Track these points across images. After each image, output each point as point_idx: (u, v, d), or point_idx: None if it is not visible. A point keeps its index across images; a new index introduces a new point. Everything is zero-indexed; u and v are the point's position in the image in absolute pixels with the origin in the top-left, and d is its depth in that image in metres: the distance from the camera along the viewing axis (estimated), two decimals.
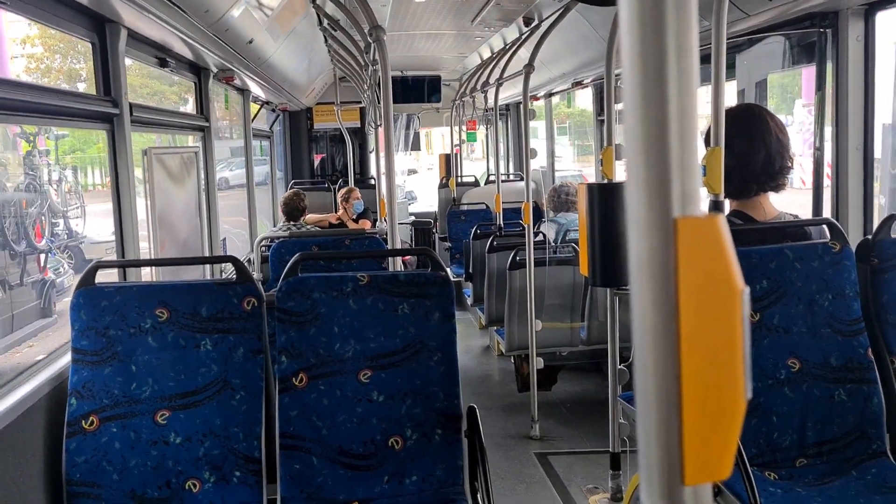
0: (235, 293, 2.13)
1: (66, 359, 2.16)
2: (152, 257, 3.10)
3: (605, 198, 2.99)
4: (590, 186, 3.02)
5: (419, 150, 10.71)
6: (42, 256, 5.77)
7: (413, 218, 9.48)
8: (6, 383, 1.95)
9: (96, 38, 2.57)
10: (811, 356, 2.10)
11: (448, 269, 7.18)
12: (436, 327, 2.15)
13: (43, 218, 5.95)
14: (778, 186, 2.29)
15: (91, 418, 2.03)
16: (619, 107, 3.16)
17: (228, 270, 4.79)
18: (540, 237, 4.79)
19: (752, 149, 2.18)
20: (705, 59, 2.37)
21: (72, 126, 2.59)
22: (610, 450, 3.11)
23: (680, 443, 0.50)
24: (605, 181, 2.96)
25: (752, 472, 1.81)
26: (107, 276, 2.35)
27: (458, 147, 8.64)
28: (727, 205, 2.29)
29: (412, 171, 14.11)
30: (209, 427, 2.06)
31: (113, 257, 2.88)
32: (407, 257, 5.65)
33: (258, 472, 2.05)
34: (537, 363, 4.58)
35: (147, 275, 3.02)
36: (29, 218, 5.60)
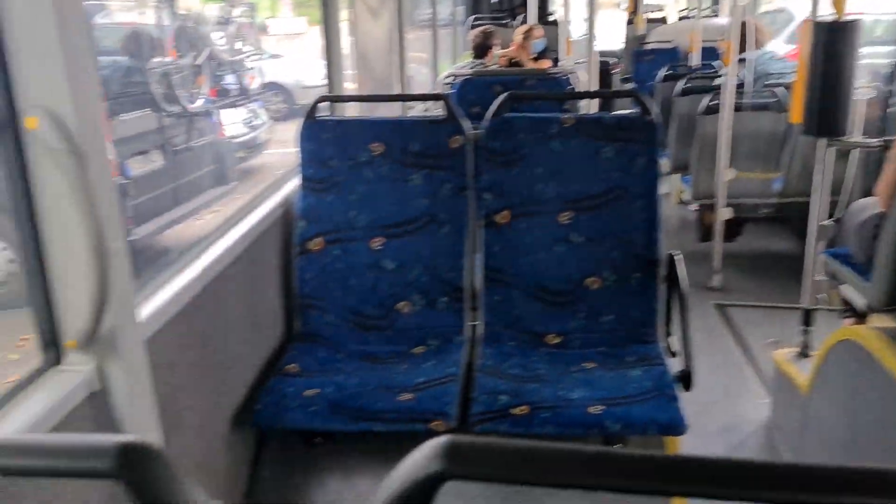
0: (444, 131, 2.20)
1: (290, 186, 2.37)
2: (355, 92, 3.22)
3: (834, 39, 2.70)
4: (817, 24, 2.73)
5: None
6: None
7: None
8: (246, 205, 2.19)
9: None
10: None
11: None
12: (640, 172, 2.12)
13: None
14: None
15: (318, 239, 2.25)
16: None
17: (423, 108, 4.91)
18: (739, 80, 4.44)
19: None
20: None
21: None
22: (803, 306, 3.01)
23: None
24: (835, 18, 2.66)
25: None
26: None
27: None
28: None
29: None
30: (418, 256, 2.22)
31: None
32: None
33: (462, 299, 2.21)
34: (726, 213, 4.41)
35: (349, 109, 3.17)
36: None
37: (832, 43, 2.68)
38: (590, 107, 3.91)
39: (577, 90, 4.20)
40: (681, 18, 8.15)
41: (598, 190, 2.14)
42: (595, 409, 1.76)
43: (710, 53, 5.71)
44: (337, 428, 1.83)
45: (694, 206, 4.95)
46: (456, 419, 1.79)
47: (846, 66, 2.69)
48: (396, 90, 4.27)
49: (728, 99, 4.16)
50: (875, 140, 2.95)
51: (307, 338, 2.19)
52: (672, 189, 6.01)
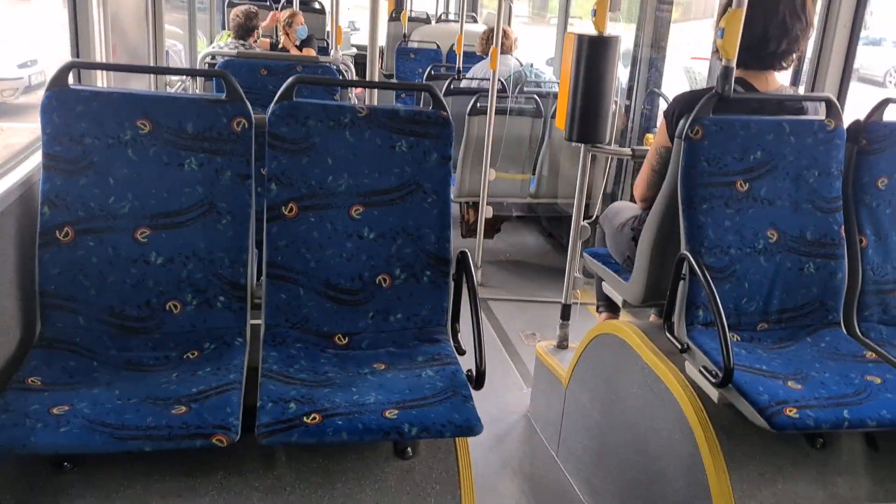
0: (225, 112, 1.98)
1: (34, 163, 2.00)
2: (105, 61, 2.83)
3: (595, 52, 2.90)
4: (580, 38, 2.92)
5: None
6: None
7: (355, 50, 9.05)
8: None
9: None
10: (790, 229, 2.18)
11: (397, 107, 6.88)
12: (433, 169, 2.10)
13: None
14: (774, 65, 2.25)
15: (66, 229, 1.91)
16: None
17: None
18: (499, 85, 4.67)
19: (748, 19, 2.13)
20: None
21: None
22: (563, 301, 3.22)
23: None
24: (597, 34, 2.86)
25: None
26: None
27: None
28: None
29: None
30: (193, 249, 1.99)
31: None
32: (358, 90, 5.43)
33: (243, 298, 2.01)
34: (487, 212, 4.62)
35: (100, 82, 2.78)
36: None
37: (593, 56, 2.88)
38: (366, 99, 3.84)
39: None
40: (439, 20, 8.42)
41: (392, 184, 2.08)
42: (391, 413, 1.69)
43: (468, 57, 5.95)
44: (95, 449, 1.56)
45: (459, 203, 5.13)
46: (240, 432, 1.62)
47: (605, 78, 2.91)
48: (152, 62, 3.86)
49: (491, 103, 4.35)
50: (625, 149, 3.24)
51: (53, 344, 1.85)
52: None
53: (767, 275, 2.17)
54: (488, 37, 5.40)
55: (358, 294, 2.08)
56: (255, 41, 5.59)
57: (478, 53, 5.59)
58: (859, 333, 2.21)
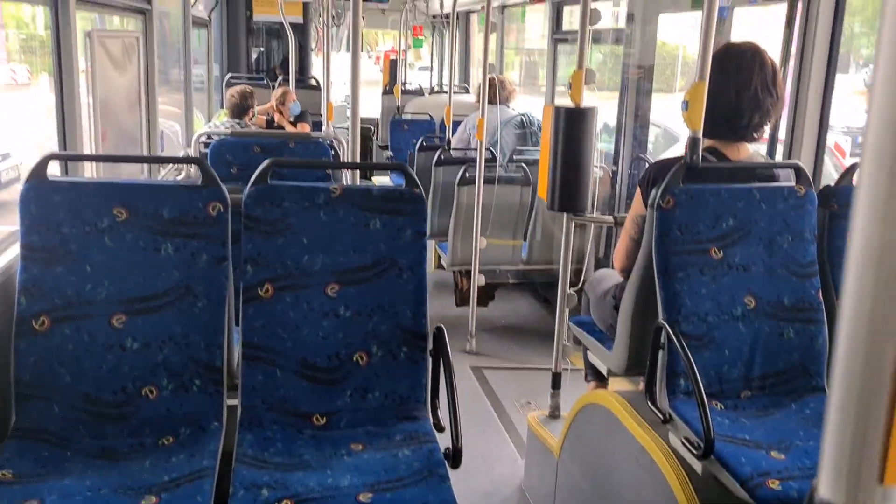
0: (201, 196, 2.02)
1: (12, 254, 2.03)
2: (93, 150, 2.90)
3: (573, 123, 2.97)
4: (557, 109, 2.98)
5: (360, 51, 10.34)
6: None
7: None
8: None
9: None
10: (767, 294, 2.18)
11: (388, 178, 7.05)
12: (407, 245, 2.12)
13: None
14: (746, 137, 2.29)
15: (42, 318, 1.93)
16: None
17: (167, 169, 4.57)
18: (489, 154, 4.75)
19: (721, 95, 2.18)
20: None
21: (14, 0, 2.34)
22: (552, 369, 3.20)
23: (885, 443, 0.48)
24: (574, 106, 2.92)
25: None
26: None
27: (403, 52, 8.38)
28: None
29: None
30: (169, 334, 1.99)
31: None
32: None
33: (219, 381, 2.01)
34: (479, 279, 4.63)
35: (89, 170, 2.84)
36: None
37: (571, 127, 2.94)
38: (355, 175, 3.91)
39: (340, 155, 4.20)
40: (433, 92, 8.61)
41: (366, 262, 2.10)
42: (365, 497, 1.67)
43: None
44: None
45: (452, 272, 5.14)
46: None
47: (584, 148, 2.96)
48: (145, 149, 3.95)
49: (479, 172, 4.41)
50: (608, 216, 3.27)
51: (26, 434, 1.85)
52: (431, 254, 6.23)
53: (747, 341, 2.16)
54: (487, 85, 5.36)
55: (335, 373, 2.08)
56: (251, 119, 5.72)
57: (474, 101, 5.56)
58: None
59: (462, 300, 5.06)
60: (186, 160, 2.45)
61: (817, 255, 2.23)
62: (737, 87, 2.19)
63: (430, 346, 2.13)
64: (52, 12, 2.41)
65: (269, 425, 1.98)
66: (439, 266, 5.42)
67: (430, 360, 2.11)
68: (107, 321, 1.97)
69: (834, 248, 2.25)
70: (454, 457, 1.77)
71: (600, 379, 2.97)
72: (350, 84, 2.74)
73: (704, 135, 2.19)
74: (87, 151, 2.84)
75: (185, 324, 2.00)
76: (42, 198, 1.94)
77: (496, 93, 5.07)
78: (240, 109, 5.49)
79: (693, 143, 2.16)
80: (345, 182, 3.83)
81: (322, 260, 2.09)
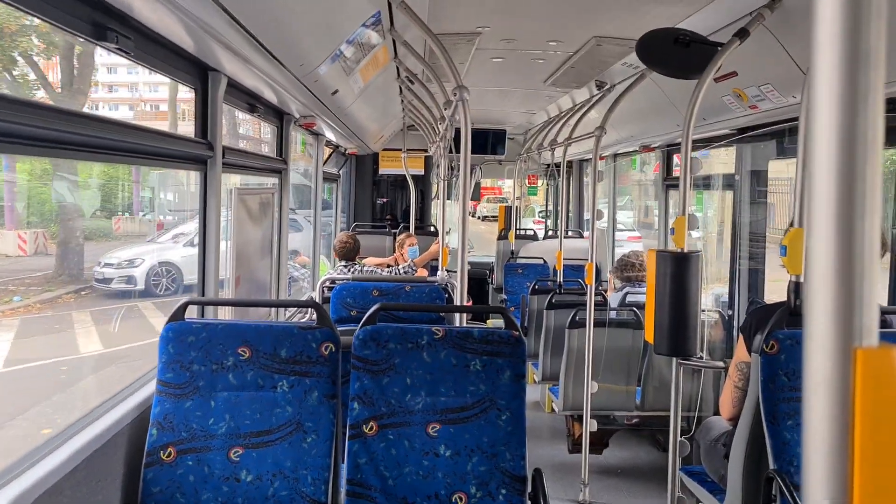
0: (314, 337, 2.19)
1: (149, 389, 2.25)
2: (229, 295, 3.21)
3: (677, 267, 3.00)
4: (661, 255, 3.03)
5: (478, 200, 10.83)
6: None
7: (469, 267, 9.53)
8: (92, 411, 2.04)
9: (199, 85, 2.73)
10: None
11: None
12: (506, 386, 2.18)
13: None
14: None
15: (169, 449, 2.10)
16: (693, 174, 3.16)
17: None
18: (600, 297, 4.77)
19: None
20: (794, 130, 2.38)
21: (170, 167, 2.73)
22: None
23: None
24: (678, 251, 2.96)
25: None
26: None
27: (518, 200, 8.71)
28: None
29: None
30: (279, 467, 2.11)
31: None
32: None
33: None
34: (591, 425, 4.52)
35: (222, 312, 3.13)
36: None
37: (676, 272, 2.97)
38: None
39: (453, 298, 4.37)
40: (547, 236, 8.82)
41: (466, 402, 2.16)
42: None
43: (574, 270, 6.15)
44: None
45: (563, 417, 5.06)
46: None
47: (689, 292, 2.96)
48: (273, 293, 4.28)
49: (589, 315, 4.44)
50: (719, 362, 3.19)
51: None
52: (543, 398, 6.16)
53: None
54: (621, 266, 5.24)
55: None
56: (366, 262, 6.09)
57: (616, 289, 5.41)
58: None
59: (575, 446, 4.93)
60: (304, 304, 2.66)
61: None
62: None
63: (528, 489, 2.12)
64: (202, 176, 2.78)
65: None
66: (552, 410, 5.34)
67: (528, 503, 2.10)
68: (225, 454, 2.11)
69: None
70: None
71: None
72: (459, 233, 2.92)
73: None
74: (224, 294, 3.14)
75: (295, 458, 2.11)
76: (178, 338, 2.17)
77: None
78: (348, 253, 5.85)
79: (795, 287, 2.15)
80: (458, 324, 3.97)
81: (424, 399, 2.17)
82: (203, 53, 2.55)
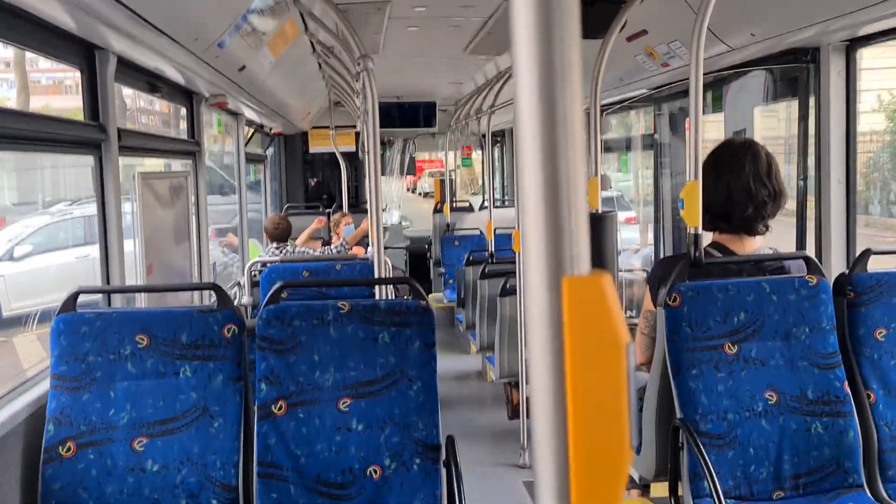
0: (216, 320, 2.13)
1: (45, 385, 2.16)
2: (138, 282, 3.10)
3: (592, 228, 3.01)
4: None
5: (414, 174, 10.78)
6: None
7: (408, 241, 9.51)
8: None
9: (85, 66, 2.60)
10: (788, 388, 2.10)
11: (442, 294, 7.14)
12: (416, 356, 2.16)
13: None
14: (745, 230, 2.25)
15: (68, 444, 2.03)
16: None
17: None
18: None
19: (715, 188, 2.19)
20: (687, 92, 2.41)
21: (58, 152, 2.61)
22: None
23: (567, 494, 0.53)
24: (592, 211, 2.98)
25: None
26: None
27: (452, 172, 8.68)
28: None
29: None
30: (186, 454, 2.06)
31: None
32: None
33: (235, 500, 2.05)
34: (527, 391, 4.56)
35: (135, 300, 3.03)
36: None
37: (591, 233, 2.99)
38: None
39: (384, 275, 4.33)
40: (481, 208, 8.83)
41: (377, 375, 2.14)
42: None
43: (508, 239, 6.17)
44: None
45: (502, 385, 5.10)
46: None
47: (606, 252, 2.99)
48: (196, 278, 4.17)
49: (519, 282, 4.45)
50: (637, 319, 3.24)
51: None
52: (484, 368, 6.20)
53: (773, 438, 2.07)
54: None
55: (349, 487, 2.08)
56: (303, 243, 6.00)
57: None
58: (885, 496, 2.04)
59: (514, 413, 4.97)
60: (202, 286, 2.60)
61: (839, 345, 2.15)
62: (728, 181, 2.21)
63: (443, 456, 2.12)
64: (96, 161, 2.67)
65: None
66: (493, 379, 5.38)
67: (443, 471, 2.10)
68: (128, 445, 2.05)
69: (856, 338, 2.17)
70: None
71: (642, 487, 2.85)
72: (372, 208, 2.87)
73: (708, 230, 2.20)
74: (135, 283, 3.04)
75: (202, 444, 2.06)
76: (71, 330, 2.09)
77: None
78: (280, 235, 5.75)
79: (694, 238, 2.17)
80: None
81: (333, 375, 2.14)
82: (86, 32, 2.43)
